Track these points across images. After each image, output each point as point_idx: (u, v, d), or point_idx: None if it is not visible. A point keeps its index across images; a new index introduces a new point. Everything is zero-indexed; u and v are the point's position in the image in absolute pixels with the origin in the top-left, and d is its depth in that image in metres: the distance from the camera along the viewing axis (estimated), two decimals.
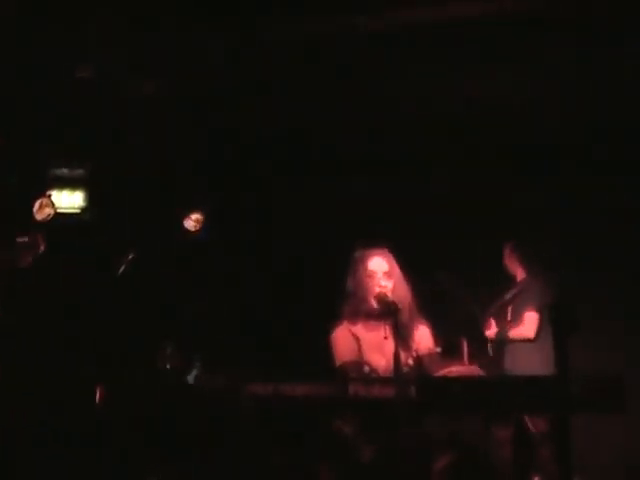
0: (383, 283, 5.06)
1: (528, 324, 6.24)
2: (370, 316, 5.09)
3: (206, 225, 6.80)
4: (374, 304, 5.04)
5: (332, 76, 6.37)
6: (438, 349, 5.18)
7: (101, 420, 5.81)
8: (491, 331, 6.44)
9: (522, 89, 6.53)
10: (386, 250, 5.19)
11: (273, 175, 7.21)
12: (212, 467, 5.38)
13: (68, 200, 6.61)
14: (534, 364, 6.06)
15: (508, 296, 6.47)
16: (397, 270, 5.14)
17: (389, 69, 6.36)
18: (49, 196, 6.37)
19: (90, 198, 6.63)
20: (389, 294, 5.01)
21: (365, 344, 5.08)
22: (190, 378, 5.74)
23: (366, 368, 4.95)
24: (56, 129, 6.43)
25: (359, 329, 5.11)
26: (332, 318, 5.24)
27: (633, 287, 6.68)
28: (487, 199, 6.96)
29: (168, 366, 5.65)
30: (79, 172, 6.60)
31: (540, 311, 6.24)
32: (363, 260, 5.15)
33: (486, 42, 5.97)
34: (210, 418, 5.22)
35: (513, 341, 6.29)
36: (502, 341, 6.35)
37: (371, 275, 5.08)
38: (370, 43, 6.04)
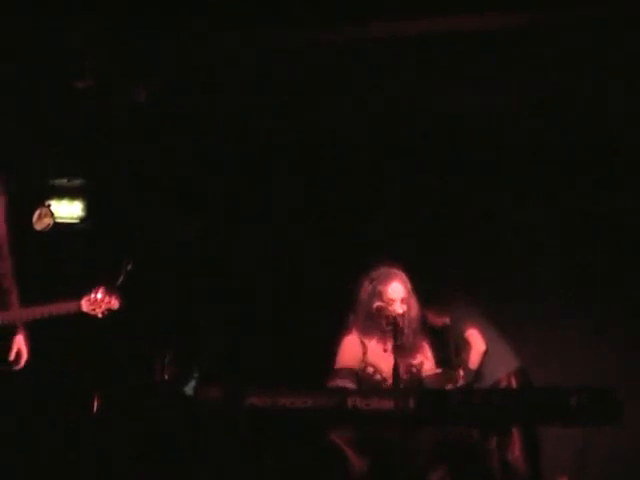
0: (400, 310, 5.22)
1: (475, 341, 6.31)
2: (383, 333, 5.23)
3: (201, 233, 6.80)
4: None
5: (332, 80, 6.37)
6: (439, 370, 5.34)
7: (98, 430, 5.79)
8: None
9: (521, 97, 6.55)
10: (402, 273, 5.33)
11: (275, 180, 7.18)
12: (209, 478, 5.37)
13: (67, 210, 6.62)
14: (497, 367, 6.17)
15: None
16: (411, 292, 5.31)
17: (385, 78, 6.39)
18: (48, 206, 6.37)
19: (89, 208, 6.63)
20: (399, 314, 5.16)
21: (371, 350, 5.23)
22: (188, 389, 5.73)
23: (370, 369, 5.14)
24: (55, 139, 6.42)
25: (369, 340, 5.26)
26: (332, 329, 5.36)
27: (633, 298, 6.67)
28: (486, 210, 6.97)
29: (166, 377, 5.65)
30: (78, 182, 6.61)
31: (474, 324, 6.33)
32: (382, 285, 5.28)
33: (487, 47, 5.98)
34: (208, 429, 5.19)
35: (479, 367, 6.33)
36: (473, 375, 6.37)
37: (389, 302, 5.22)
38: (367, 51, 6.06)
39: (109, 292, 5.37)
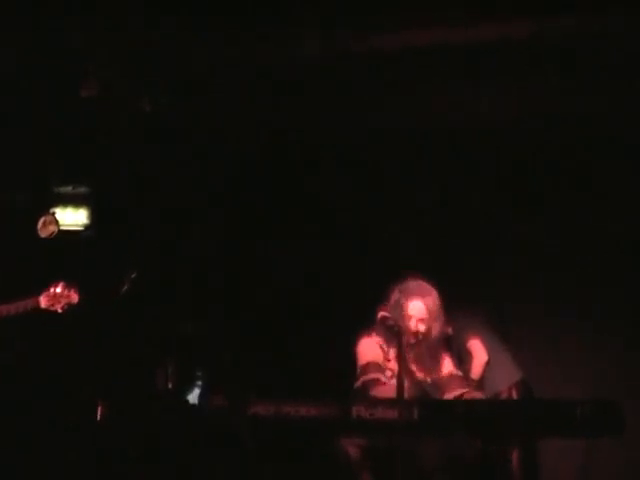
0: (414, 329, 5.23)
1: (477, 352, 6.31)
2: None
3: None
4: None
5: (332, 80, 6.40)
6: (459, 372, 5.39)
7: (102, 438, 5.81)
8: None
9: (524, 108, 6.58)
10: (432, 289, 5.32)
11: (275, 181, 7.20)
12: None
13: (72, 217, 6.64)
14: (498, 378, 6.20)
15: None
16: (434, 312, 5.27)
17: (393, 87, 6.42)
18: (53, 214, 6.39)
19: (93, 216, 6.65)
20: (412, 332, 5.19)
21: (392, 357, 5.24)
22: (192, 397, 5.76)
23: (388, 372, 5.14)
24: (60, 147, 6.44)
25: (389, 347, 5.26)
26: (337, 337, 5.43)
27: (633, 305, 6.70)
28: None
29: (170, 385, 5.67)
30: (83, 190, 6.63)
31: (476, 333, 6.32)
32: (405, 298, 5.28)
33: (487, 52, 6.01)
34: (212, 438, 5.22)
35: (481, 378, 6.33)
36: (475, 386, 6.37)
37: (408, 318, 5.23)
38: (367, 52, 6.08)
39: (68, 286, 5.41)
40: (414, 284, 5.30)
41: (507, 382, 6.17)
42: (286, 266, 7.02)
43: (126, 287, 5.79)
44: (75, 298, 5.41)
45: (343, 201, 7.17)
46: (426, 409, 4.63)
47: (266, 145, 7.05)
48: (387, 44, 6.01)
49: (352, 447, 4.94)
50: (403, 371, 4.80)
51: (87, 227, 6.65)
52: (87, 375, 6.25)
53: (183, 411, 5.66)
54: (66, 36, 5.94)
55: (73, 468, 5.79)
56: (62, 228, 6.41)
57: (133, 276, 5.80)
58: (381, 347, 5.24)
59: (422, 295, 5.26)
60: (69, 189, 6.61)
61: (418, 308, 5.23)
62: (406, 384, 4.88)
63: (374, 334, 5.28)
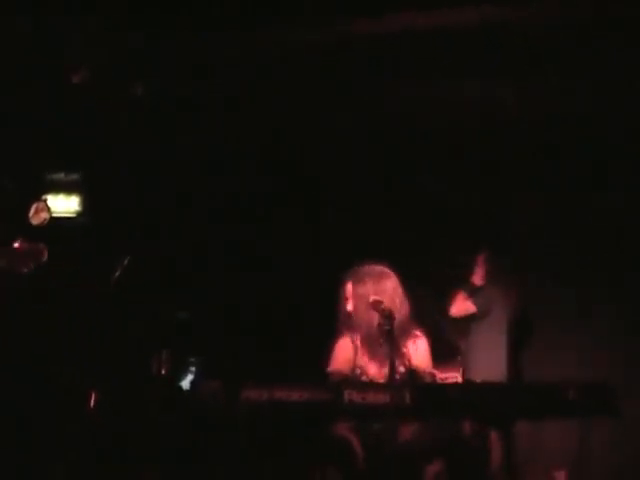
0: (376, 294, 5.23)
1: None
2: (367, 328, 5.27)
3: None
4: (371, 316, 5.21)
5: (332, 84, 6.49)
6: (435, 371, 5.39)
7: (95, 426, 5.84)
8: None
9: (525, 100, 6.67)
10: (384, 265, 5.38)
11: (275, 178, 7.27)
12: (207, 472, 5.45)
13: (64, 204, 6.70)
14: (493, 369, 6.31)
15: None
16: (391, 283, 5.32)
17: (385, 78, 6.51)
18: (45, 200, 6.41)
19: (85, 202, 6.70)
20: (384, 303, 5.17)
21: (360, 352, 5.29)
22: (185, 383, 5.81)
23: (357, 371, 5.22)
24: (52, 133, 6.51)
25: (358, 341, 5.31)
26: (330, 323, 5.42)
27: (633, 305, 6.79)
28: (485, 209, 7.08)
29: (163, 371, 5.71)
30: (74, 176, 6.69)
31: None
32: (358, 273, 5.35)
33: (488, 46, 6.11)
34: (205, 423, 5.27)
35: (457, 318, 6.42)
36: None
37: (365, 285, 5.28)
38: (367, 50, 6.18)
39: (30, 242, 4.71)
40: (363, 263, 5.41)
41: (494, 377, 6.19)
42: (286, 266, 7.10)
43: (119, 273, 5.83)
44: (44, 255, 4.66)
45: (343, 201, 7.26)
46: (418, 393, 4.68)
47: (266, 145, 7.14)
48: (387, 43, 6.10)
49: (344, 431, 5.01)
50: (395, 354, 4.86)
51: (79, 214, 6.70)
52: (81, 362, 6.28)
53: (176, 397, 5.69)
54: (66, 36, 6.02)
55: (67, 457, 5.82)
56: (54, 215, 6.44)
57: (126, 262, 5.85)
58: (354, 344, 5.32)
59: (373, 267, 5.35)
60: (61, 176, 6.67)
61: (373, 274, 5.32)
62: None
63: (346, 332, 5.37)
